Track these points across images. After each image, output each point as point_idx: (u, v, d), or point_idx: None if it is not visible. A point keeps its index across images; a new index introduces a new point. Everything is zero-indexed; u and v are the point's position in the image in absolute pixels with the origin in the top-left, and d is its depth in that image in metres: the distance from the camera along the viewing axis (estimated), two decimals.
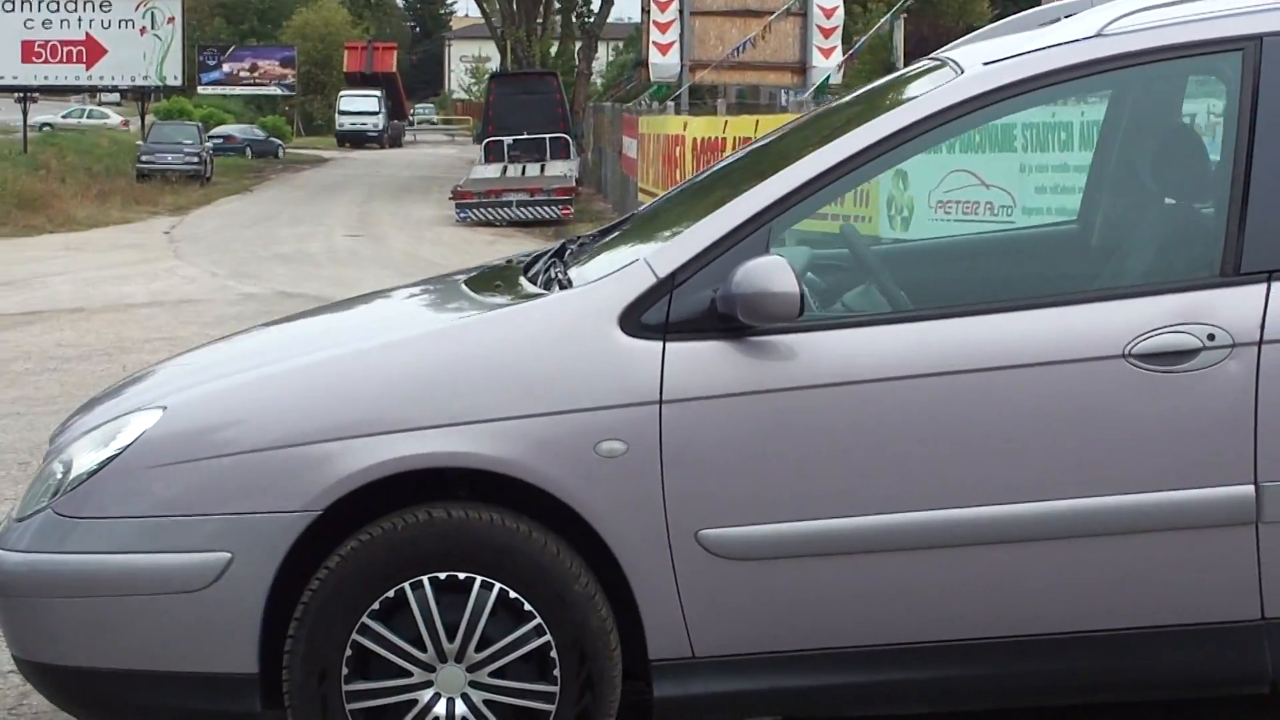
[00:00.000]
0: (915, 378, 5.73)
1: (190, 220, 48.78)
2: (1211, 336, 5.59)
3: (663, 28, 44.35)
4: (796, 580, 5.78)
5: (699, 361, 5.74)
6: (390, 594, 5.73)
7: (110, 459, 5.83)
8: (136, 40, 63.52)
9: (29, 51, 63.29)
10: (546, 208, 45.06)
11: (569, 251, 6.84)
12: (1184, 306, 5.66)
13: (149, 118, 73.25)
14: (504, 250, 27.35)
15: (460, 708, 5.76)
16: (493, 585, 5.73)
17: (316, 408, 5.90)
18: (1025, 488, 5.66)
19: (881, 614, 5.81)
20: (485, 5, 75.70)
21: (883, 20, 45.25)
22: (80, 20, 63.46)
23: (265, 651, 5.76)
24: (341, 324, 7.43)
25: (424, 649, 5.73)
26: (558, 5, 78.31)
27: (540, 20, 74.62)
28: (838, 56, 45.09)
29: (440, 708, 5.75)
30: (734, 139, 29.79)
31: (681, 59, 44.62)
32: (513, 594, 5.74)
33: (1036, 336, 5.72)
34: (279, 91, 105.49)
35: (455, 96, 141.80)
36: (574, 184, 47.99)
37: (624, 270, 5.97)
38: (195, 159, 64.18)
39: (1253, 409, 5.60)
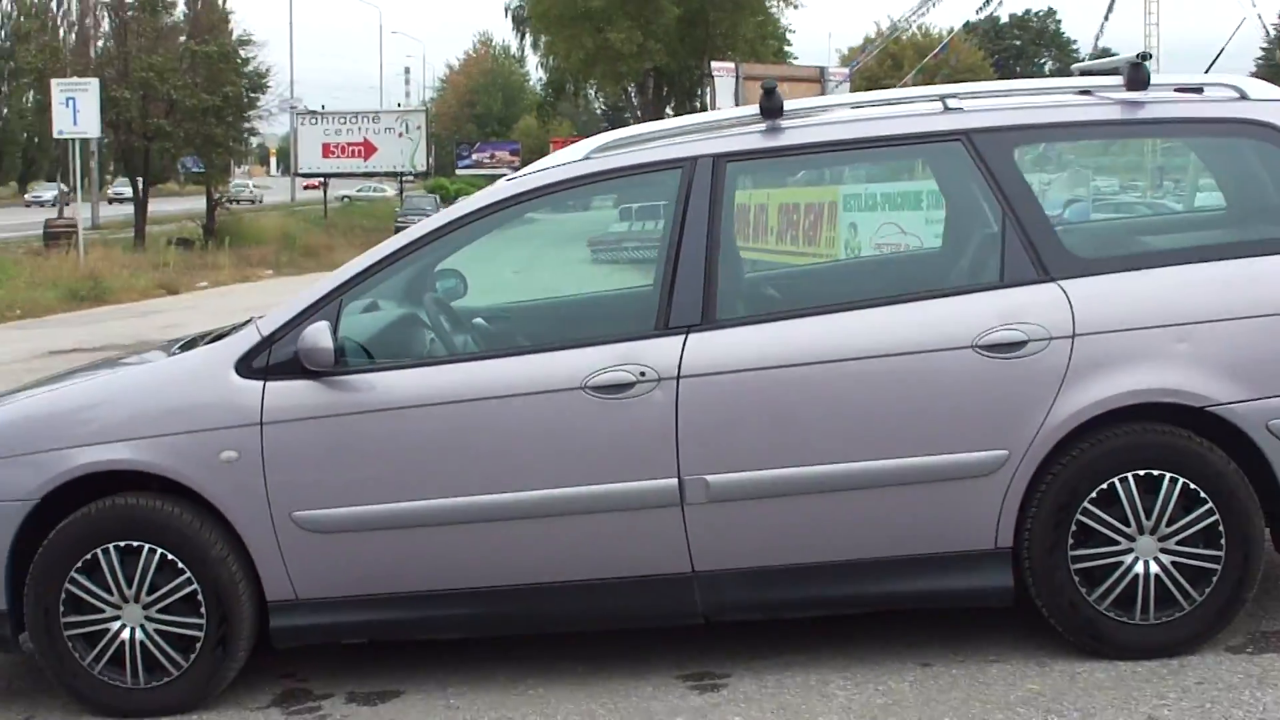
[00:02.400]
0: (432, 405, 5.69)
1: None
2: (644, 373, 5.48)
3: None
4: (361, 546, 5.73)
5: (287, 394, 5.72)
6: (89, 556, 5.72)
7: None
8: (396, 141, 65.78)
9: (326, 150, 65.94)
10: None
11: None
12: (625, 351, 5.57)
13: (406, 192, 73.49)
14: None
15: (139, 634, 5.73)
16: (157, 550, 5.70)
17: (34, 428, 5.95)
18: (510, 483, 5.59)
19: (421, 569, 5.74)
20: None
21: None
22: (359, 129, 66.07)
23: (13, 595, 5.79)
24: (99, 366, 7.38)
25: (112, 593, 5.72)
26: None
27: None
28: None
29: (126, 634, 5.74)
30: None
31: None
32: (170, 556, 5.71)
33: (521, 375, 5.65)
34: (504, 172, 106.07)
35: None
36: None
37: (242, 330, 6.02)
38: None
39: (674, 424, 5.48)
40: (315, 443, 5.72)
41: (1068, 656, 5.55)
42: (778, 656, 5.82)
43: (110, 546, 5.71)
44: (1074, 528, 5.45)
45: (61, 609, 5.74)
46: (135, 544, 5.71)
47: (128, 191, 53.17)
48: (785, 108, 5.88)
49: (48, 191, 69.38)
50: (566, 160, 6.06)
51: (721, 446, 5.52)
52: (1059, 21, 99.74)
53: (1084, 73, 5.88)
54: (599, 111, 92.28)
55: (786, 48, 65.68)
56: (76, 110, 30.82)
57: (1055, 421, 5.40)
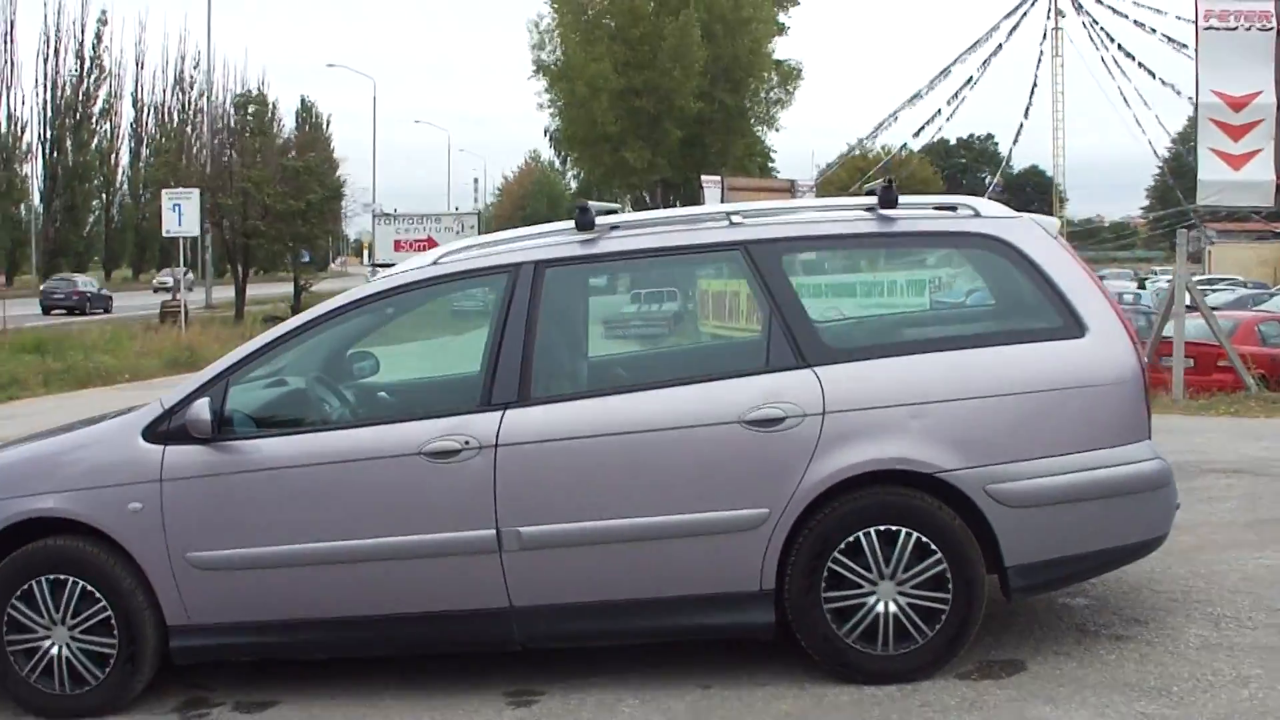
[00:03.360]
0: (299, 467, 5.61)
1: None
2: (468, 442, 5.39)
3: None
4: (242, 581, 5.61)
5: (181, 456, 5.64)
6: (25, 587, 5.65)
7: None
8: (454, 238, 64.75)
9: (397, 245, 65.18)
10: None
11: None
12: (455, 424, 5.47)
13: None
14: None
15: (65, 651, 5.65)
16: (79, 583, 5.64)
17: None
18: (363, 531, 5.48)
19: (292, 601, 5.62)
20: None
21: None
22: (424, 228, 65.12)
23: None
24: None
25: (43, 617, 5.65)
26: None
27: None
28: None
29: (55, 650, 5.66)
30: None
31: None
32: (88, 587, 5.63)
33: (374, 442, 5.57)
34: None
35: None
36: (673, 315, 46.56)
37: (150, 404, 5.90)
38: (484, 302, 63.31)
39: (493, 484, 5.37)
40: (203, 496, 5.62)
41: (823, 682, 5.37)
42: (587, 678, 5.65)
43: (42, 579, 5.64)
44: (826, 574, 5.30)
45: (5, 629, 5.67)
46: (62, 577, 5.64)
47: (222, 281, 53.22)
48: (597, 222, 5.79)
49: (170, 277, 68.85)
50: (418, 265, 5.99)
51: (532, 503, 5.40)
52: (996, 143, 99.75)
53: (868, 193, 5.74)
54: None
55: (770, 164, 65.69)
56: (181, 214, 30.93)
57: (808, 485, 5.26)
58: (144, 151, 78.61)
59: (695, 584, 5.38)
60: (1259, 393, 17.09)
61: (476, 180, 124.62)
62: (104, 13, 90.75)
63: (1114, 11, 51.35)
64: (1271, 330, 19.35)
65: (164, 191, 33.04)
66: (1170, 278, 27.52)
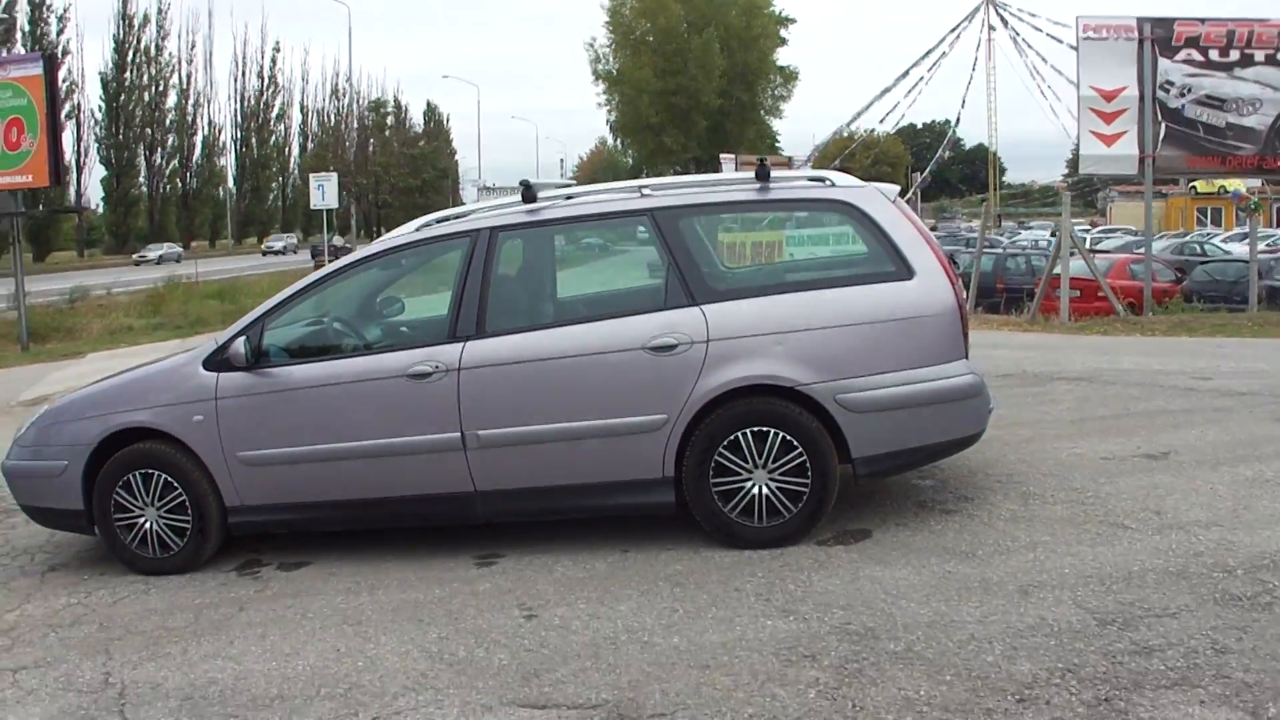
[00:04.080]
0: (315, 387, 5.51)
1: None
2: (438, 366, 5.28)
3: None
4: (277, 473, 5.54)
5: (230, 381, 5.57)
6: (125, 478, 5.67)
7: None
8: None
9: None
10: None
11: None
12: (428, 354, 5.35)
13: None
14: None
15: (155, 526, 5.67)
16: (162, 475, 5.63)
17: (98, 401, 5.87)
18: (364, 435, 5.40)
19: (313, 487, 5.54)
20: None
21: None
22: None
23: (86, 501, 5.71)
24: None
25: (138, 500, 5.66)
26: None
27: None
28: None
29: (148, 525, 5.67)
30: None
31: None
32: (169, 479, 5.61)
33: (370, 367, 5.49)
34: None
35: None
36: None
37: (208, 343, 5.81)
38: None
39: (456, 399, 5.26)
40: (246, 410, 5.53)
41: (713, 547, 5.21)
42: (536, 544, 5.52)
43: (137, 473, 5.63)
44: (713, 464, 5.13)
45: (112, 509, 5.66)
46: (151, 471, 5.62)
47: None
48: (539, 196, 5.60)
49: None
50: (403, 232, 5.83)
51: (487, 412, 5.26)
52: (955, 126, 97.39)
53: (757, 173, 5.47)
54: None
55: (777, 145, 64.56)
56: (324, 192, 30.79)
57: (697, 396, 5.09)
58: (309, 145, 78.47)
59: (613, 472, 5.23)
60: (1125, 316, 16.67)
61: (561, 160, 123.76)
62: (278, 42, 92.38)
63: (1032, 27, 49.95)
64: (1139, 269, 18.78)
65: (311, 175, 32.91)
66: (1083, 228, 26.91)
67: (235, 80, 72.54)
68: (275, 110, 74.21)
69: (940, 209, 78.69)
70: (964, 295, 5.21)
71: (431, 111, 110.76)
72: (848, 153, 63.96)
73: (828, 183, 5.43)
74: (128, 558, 5.73)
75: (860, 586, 4.60)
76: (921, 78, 38.85)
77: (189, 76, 65.68)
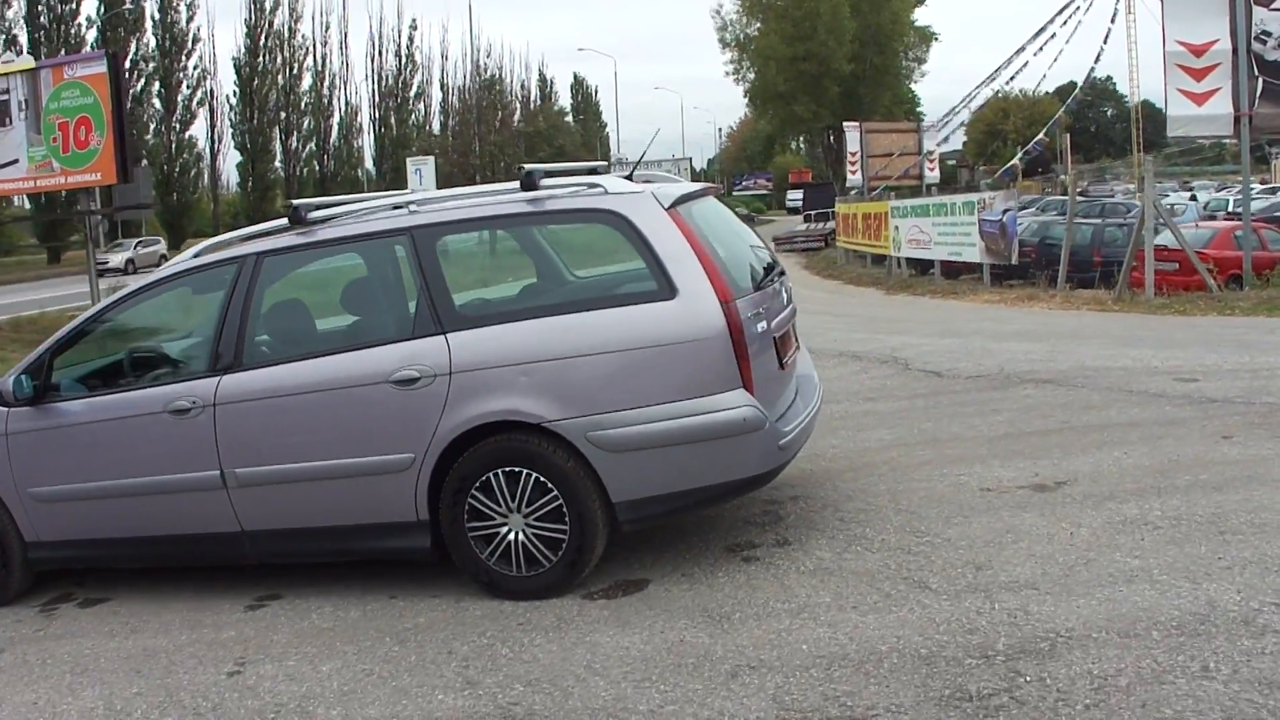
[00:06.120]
0: (93, 423, 5.30)
1: None
2: (195, 402, 5.03)
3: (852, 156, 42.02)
4: (66, 509, 5.39)
5: (19, 417, 5.45)
6: None
7: None
8: (673, 179, 62.39)
9: None
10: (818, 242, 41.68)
11: None
12: (188, 389, 5.09)
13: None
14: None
15: None
16: None
17: None
18: (130, 472, 5.20)
19: (104, 523, 5.35)
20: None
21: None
22: (650, 175, 62.91)
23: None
24: None
25: None
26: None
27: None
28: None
29: None
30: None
31: (863, 174, 42.04)
32: None
33: (133, 402, 5.25)
34: (763, 191, 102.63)
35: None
36: (831, 233, 44.13)
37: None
38: None
39: (214, 435, 4.99)
40: (30, 446, 5.40)
41: (475, 598, 4.79)
42: (316, 585, 5.22)
43: None
44: (468, 507, 4.70)
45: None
46: None
47: None
48: (310, 217, 5.27)
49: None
50: (182, 259, 5.53)
51: (242, 449, 4.96)
52: (1115, 84, 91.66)
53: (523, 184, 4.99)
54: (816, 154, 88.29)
55: (918, 109, 62.24)
56: (421, 176, 31.13)
57: (442, 434, 4.65)
58: (451, 123, 79.41)
59: (368, 514, 4.86)
60: (1218, 292, 15.23)
61: (720, 130, 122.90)
62: (414, 20, 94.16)
63: None
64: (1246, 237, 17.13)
65: (408, 159, 33.28)
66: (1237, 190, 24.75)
67: (372, 60, 72.93)
68: (414, 89, 75.36)
69: (1102, 169, 74.40)
70: (741, 316, 4.58)
71: (579, 84, 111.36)
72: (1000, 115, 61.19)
73: (599, 189, 4.87)
74: None
75: (572, 655, 4.11)
76: (1054, 34, 36.46)
77: (324, 58, 66.84)
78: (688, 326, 4.51)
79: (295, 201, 5.42)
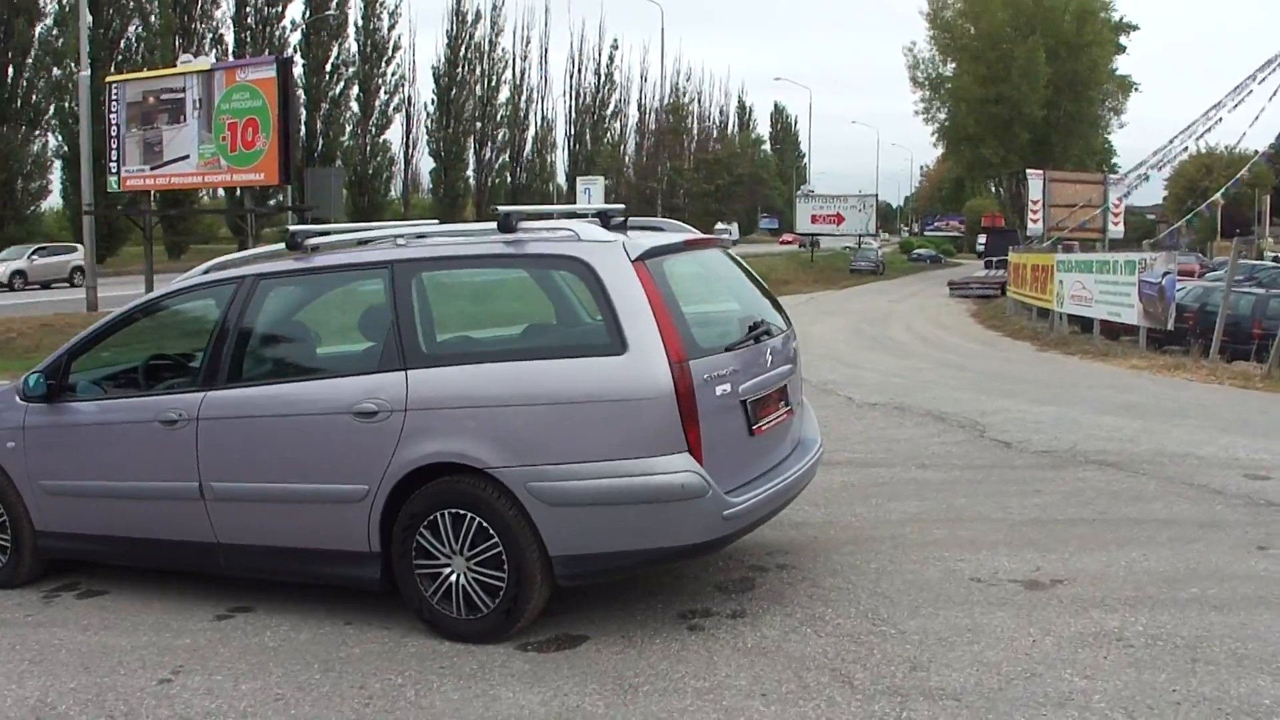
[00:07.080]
0: (98, 425, 5.59)
1: (841, 292, 44.90)
2: (181, 414, 5.22)
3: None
4: (71, 504, 5.66)
5: (35, 411, 5.75)
6: None
7: None
8: (857, 215, 61.74)
9: (813, 219, 63.22)
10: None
11: None
12: (178, 401, 5.30)
13: (861, 243, 65.53)
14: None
15: None
16: None
17: None
18: (127, 475, 5.43)
19: (102, 520, 5.59)
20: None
21: None
22: (834, 206, 62.53)
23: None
24: None
25: None
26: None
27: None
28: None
29: None
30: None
31: (1044, 223, 40.60)
32: None
33: (133, 409, 5.47)
34: (954, 234, 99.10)
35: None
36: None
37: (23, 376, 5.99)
38: (874, 263, 59.95)
39: (195, 448, 5.17)
40: (44, 441, 5.70)
41: (420, 635, 4.81)
42: (286, 603, 5.32)
43: None
44: (415, 544, 4.74)
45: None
46: None
47: None
48: (307, 244, 5.39)
49: None
50: (192, 275, 5.75)
51: (218, 464, 5.13)
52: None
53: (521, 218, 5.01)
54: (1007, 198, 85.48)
55: (1113, 159, 59.50)
56: (590, 195, 31.63)
57: (394, 469, 4.70)
58: (646, 143, 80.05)
59: (326, 540, 4.94)
60: None
61: (921, 167, 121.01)
62: (615, 39, 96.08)
63: None
64: None
65: (578, 179, 33.94)
66: None
67: (570, 76, 74.84)
68: (610, 107, 76.47)
69: None
70: (694, 378, 4.45)
71: (779, 113, 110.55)
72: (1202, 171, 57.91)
73: (572, 235, 4.83)
74: None
75: (468, 708, 4.07)
76: (1251, 90, 34.26)
77: (523, 73, 68.92)
78: (632, 384, 4.42)
79: (293, 228, 5.58)
